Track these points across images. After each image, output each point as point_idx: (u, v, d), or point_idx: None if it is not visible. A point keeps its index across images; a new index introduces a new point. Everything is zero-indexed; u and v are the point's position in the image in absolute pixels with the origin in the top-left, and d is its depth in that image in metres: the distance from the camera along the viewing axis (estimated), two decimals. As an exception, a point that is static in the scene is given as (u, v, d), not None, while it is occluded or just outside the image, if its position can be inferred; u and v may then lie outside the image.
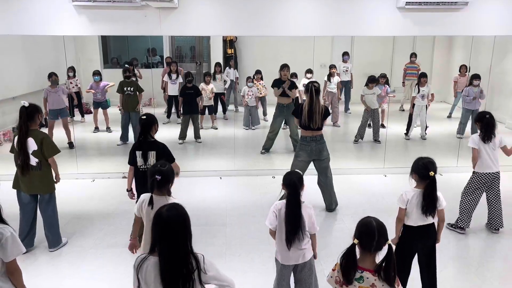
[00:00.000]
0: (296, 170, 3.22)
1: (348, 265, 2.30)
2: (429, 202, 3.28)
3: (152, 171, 3.11)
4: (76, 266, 4.26)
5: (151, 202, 3.10)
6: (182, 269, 2.11)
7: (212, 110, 9.17)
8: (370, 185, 6.34)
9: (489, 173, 4.73)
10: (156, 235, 2.16)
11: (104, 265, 4.25)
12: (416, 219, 3.35)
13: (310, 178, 5.74)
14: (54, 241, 4.53)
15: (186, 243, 2.15)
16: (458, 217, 4.95)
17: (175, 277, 2.12)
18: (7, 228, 2.44)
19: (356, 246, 2.30)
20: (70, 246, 4.61)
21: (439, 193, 3.35)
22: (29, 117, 4.15)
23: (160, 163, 3.22)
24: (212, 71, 9.51)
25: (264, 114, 9.53)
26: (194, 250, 2.19)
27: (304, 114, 5.02)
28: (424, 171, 3.24)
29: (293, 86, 7.34)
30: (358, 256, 2.33)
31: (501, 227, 4.94)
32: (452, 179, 6.28)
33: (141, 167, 4.08)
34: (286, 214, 3.04)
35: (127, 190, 4.25)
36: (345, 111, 10.20)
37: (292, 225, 3.01)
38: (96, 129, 8.74)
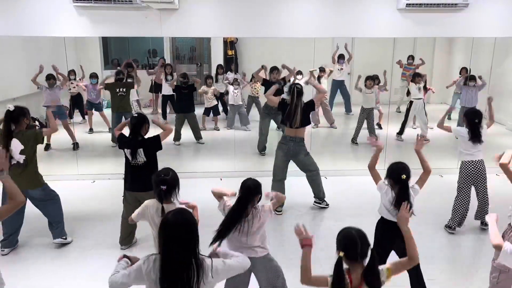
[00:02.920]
0: (253, 178, 3.22)
1: (338, 277, 2.29)
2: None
3: (156, 181, 3.12)
4: (76, 266, 4.27)
5: (163, 212, 3.11)
6: (183, 274, 2.11)
7: (217, 112, 9.17)
8: (369, 187, 6.26)
9: (473, 161, 4.82)
10: (161, 239, 2.17)
11: (104, 266, 4.22)
12: (387, 214, 3.49)
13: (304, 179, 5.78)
14: (60, 231, 4.57)
15: (192, 248, 2.15)
16: (450, 218, 5.02)
17: (175, 281, 2.12)
18: None
19: (343, 259, 2.30)
20: (70, 246, 4.63)
21: (413, 188, 3.43)
22: (14, 120, 4.19)
23: (163, 171, 3.22)
24: (214, 72, 9.54)
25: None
26: (202, 255, 2.21)
27: (286, 113, 5.19)
28: (395, 175, 3.34)
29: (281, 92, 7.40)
30: (346, 268, 2.33)
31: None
32: (452, 180, 6.24)
33: (132, 163, 4.19)
34: (230, 211, 3.04)
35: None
36: (346, 112, 10.17)
37: (228, 224, 3.00)
38: (91, 130, 8.76)
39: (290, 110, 5.15)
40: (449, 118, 9.73)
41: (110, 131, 8.71)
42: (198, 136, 8.38)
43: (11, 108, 4.18)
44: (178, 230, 2.13)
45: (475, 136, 4.71)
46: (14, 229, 4.46)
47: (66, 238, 4.64)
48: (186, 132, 8.33)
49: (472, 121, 4.72)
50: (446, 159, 7.21)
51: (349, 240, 2.32)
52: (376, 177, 3.62)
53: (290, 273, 3.71)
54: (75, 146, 7.70)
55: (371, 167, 3.67)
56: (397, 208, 3.26)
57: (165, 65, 9.24)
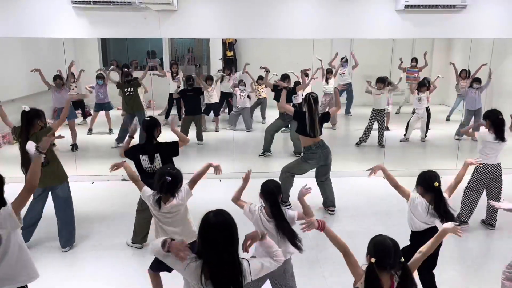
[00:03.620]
0: (273, 179, 3.40)
1: (373, 284, 2.28)
2: (443, 213, 3.32)
3: (161, 173, 3.15)
4: (76, 267, 4.26)
5: (159, 203, 3.17)
6: (231, 274, 2.11)
7: (217, 112, 9.17)
8: (369, 188, 6.33)
9: (491, 164, 4.87)
10: (202, 240, 2.16)
11: (103, 267, 4.25)
12: (420, 225, 3.43)
13: (307, 180, 5.77)
14: (70, 239, 4.57)
15: (233, 248, 2.15)
16: (460, 212, 5.01)
17: (225, 281, 2.11)
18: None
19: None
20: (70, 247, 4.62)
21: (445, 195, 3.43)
22: (28, 122, 4.14)
23: (169, 166, 3.28)
24: (220, 72, 9.57)
25: (263, 117, 9.53)
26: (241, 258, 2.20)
27: (306, 123, 5.18)
28: (429, 182, 3.35)
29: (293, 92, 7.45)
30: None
31: (494, 223, 5.07)
32: (451, 181, 6.28)
33: (147, 169, 4.11)
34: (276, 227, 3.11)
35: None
36: (346, 113, 10.17)
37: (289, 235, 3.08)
38: (90, 131, 8.74)
39: (311, 120, 5.15)
40: (448, 119, 9.75)
41: (109, 132, 8.71)
42: (199, 138, 8.39)
43: (27, 109, 4.12)
44: (220, 232, 2.13)
45: (500, 132, 4.73)
46: (34, 220, 4.43)
47: (74, 241, 4.65)
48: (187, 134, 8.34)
49: (497, 117, 4.75)
50: (446, 160, 7.21)
51: (383, 248, 2.30)
52: (403, 193, 3.55)
53: (290, 273, 3.72)
54: (74, 147, 7.69)
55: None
56: (437, 213, 3.30)
57: (172, 64, 9.29)
